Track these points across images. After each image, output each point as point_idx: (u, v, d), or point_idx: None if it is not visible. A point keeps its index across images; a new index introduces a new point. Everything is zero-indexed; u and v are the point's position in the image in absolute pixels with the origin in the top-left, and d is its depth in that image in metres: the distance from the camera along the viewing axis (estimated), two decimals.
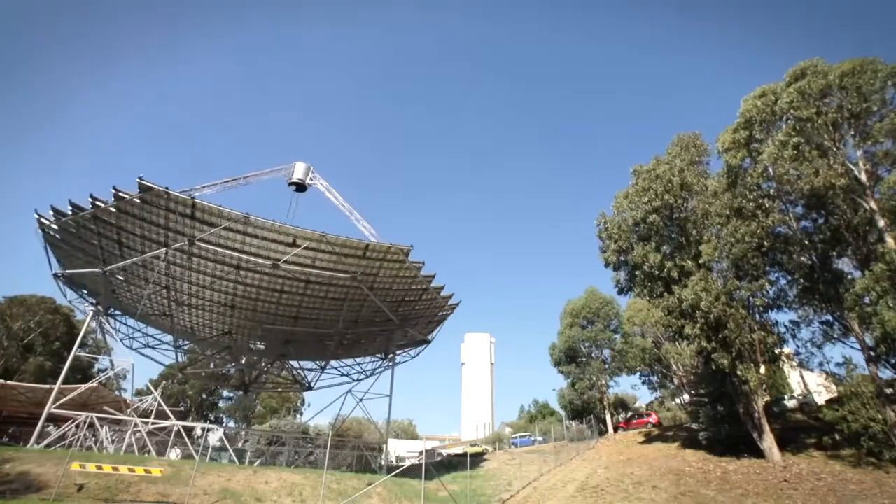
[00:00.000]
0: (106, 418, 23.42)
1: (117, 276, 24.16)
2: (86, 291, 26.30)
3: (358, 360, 35.45)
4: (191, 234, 21.10)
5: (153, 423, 23.51)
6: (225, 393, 55.64)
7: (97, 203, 20.00)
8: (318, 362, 36.86)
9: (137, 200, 19.68)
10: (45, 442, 21.32)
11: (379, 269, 24.19)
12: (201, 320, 30.11)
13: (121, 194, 19.46)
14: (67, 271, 24.14)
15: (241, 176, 25.41)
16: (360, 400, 31.65)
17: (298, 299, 27.02)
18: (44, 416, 20.69)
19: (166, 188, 19.21)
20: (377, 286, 25.40)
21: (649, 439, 28.76)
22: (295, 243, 22.03)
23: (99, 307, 24.65)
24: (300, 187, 26.70)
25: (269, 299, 26.89)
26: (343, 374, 35.66)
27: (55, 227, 21.64)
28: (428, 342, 31.78)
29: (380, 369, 33.39)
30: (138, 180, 18.78)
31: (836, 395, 20.90)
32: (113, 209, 20.32)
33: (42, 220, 21.30)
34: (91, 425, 22.69)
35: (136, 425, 22.56)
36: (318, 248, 22.44)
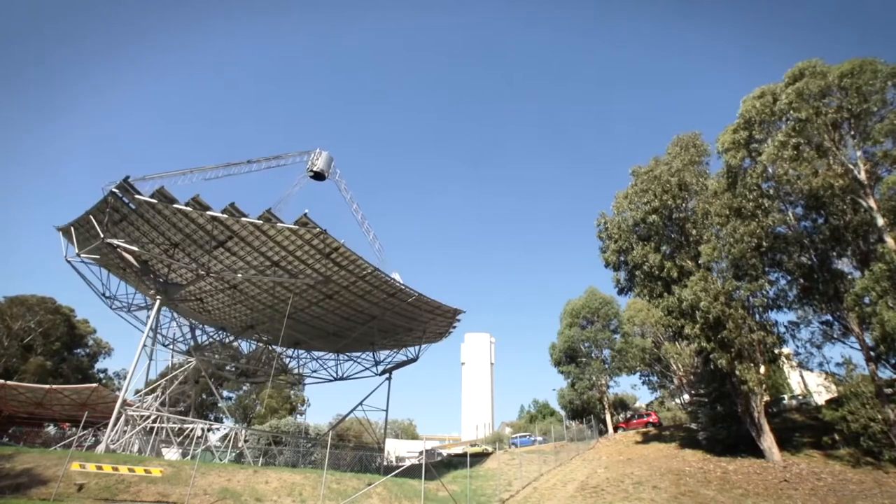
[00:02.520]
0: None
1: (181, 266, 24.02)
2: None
3: (356, 372, 36.61)
4: (318, 268, 24.32)
5: (213, 426, 23.81)
6: (225, 393, 55.70)
7: (230, 208, 20.45)
8: (319, 361, 37.07)
9: (286, 224, 21.02)
10: (118, 443, 20.73)
11: (433, 318, 31.01)
12: (234, 313, 31.14)
13: (270, 215, 20.77)
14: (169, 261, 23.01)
15: (263, 158, 25.60)
16: (357, 405, 32.14)
17: (338, 319, 30.41)
18: (115, 414, 20.38)
19: (324, 230, 21.18)
20: (428, 330, 32.40)
21: (649, 439, 28.77)
22: (395, 295, 27.14)
23: (159, 296, 23.80)
24: (318, 176, 26.74)
25: (321, 316, 29.89)
26: (337, 378, 36.03)
27: (132, 205, 21.23)
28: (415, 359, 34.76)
29: (376, 377, 34.31)
30: (303, 215, 20.43)
31: (836, 395, 20.91)
32: (246, 220, 20.98)
33: (125, 186, 20.40)
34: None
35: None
36: (406, 300, 27.74)
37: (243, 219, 20.74)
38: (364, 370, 35.27)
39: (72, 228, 23.22)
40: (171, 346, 30.14)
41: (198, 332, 32.06)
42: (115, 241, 21.71)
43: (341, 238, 22.17)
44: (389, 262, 32.77)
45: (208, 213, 20.57)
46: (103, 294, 26.64)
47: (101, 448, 19.73)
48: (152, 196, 20.29)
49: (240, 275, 24.19)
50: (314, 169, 26.41)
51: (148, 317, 24.08)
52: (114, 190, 20.27)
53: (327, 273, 24.72)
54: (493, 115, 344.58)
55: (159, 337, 28.99)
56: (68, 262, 24.50)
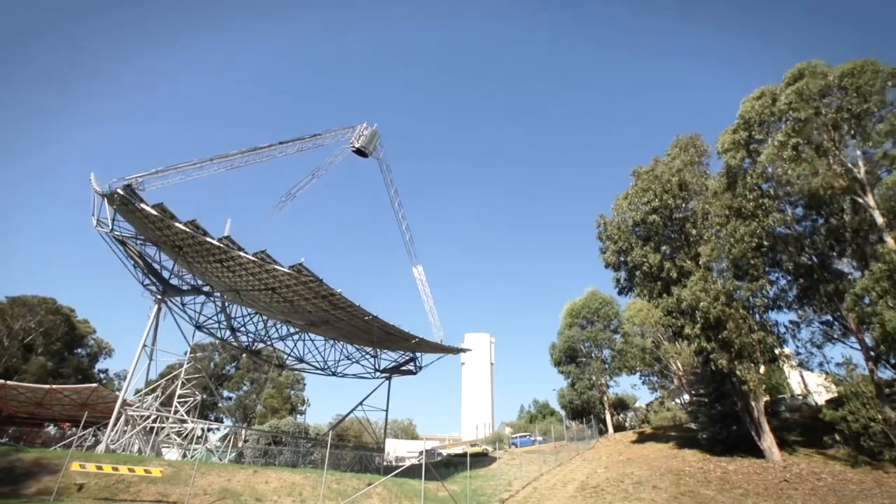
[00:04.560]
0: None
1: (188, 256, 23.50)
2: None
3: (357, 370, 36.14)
4: (316, 302, 23.93)
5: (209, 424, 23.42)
6: (225, 393, 55.73)
7: (226, 240, 20.49)
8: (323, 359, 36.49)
9: (281, 268, 20.97)
10: (118, 443, 20.61)
11: (434, 350, 30.91)
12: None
13: (265, 256, 20.82)
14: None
15: (316, 134, 24.99)
16: (357, 405, 31.97)
17: (338, 335, 30.78)
18: (114, 415, 20.39)
19: (320, 280, 20.96)
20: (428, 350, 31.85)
21: (649, 439, 28.79)
22: (396, 334, 26.63)
23: (164, 296, 23.76)
24: (360, 153, 26.15)
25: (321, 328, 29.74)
26: (335, 373, 35.39)
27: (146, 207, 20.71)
28: (414, 372, 34.50)
29: (377, 376, 34.02)
30: (298, 264, 20.25)
31: (836, 395, 20.92)
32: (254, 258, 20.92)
33: (126, 193, 20.13)
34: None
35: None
36: (410, 341, 27.71)
37: (238, 252, 20.48)
38: (364, 368, 34.88)
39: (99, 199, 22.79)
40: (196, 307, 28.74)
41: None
42: (119, 235, 21.53)
43: (339, 281, 22.17)
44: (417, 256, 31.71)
45: (205, 238, 20.32)
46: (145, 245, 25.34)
47: (101, 448, 19.70)
48: (153, 207, 20.05)
49: (236, 297, 23.93)
50: (356, 145, 25.50)
51: (148, 316, 23.98)
52: (119, 191, 20.02)
53: (325, 307, 24.33)
54: (494, 115, 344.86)
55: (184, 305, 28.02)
56: (112, 235, 23.94)
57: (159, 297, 23.88)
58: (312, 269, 20.73)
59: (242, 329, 30.26)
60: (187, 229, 20.11)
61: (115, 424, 20.50)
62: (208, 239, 20.34)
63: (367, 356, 34.67)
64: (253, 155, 23.93)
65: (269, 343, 32.21)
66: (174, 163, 22.57)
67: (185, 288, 25.33)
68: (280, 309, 27.53)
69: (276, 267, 20.88)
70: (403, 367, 34.19)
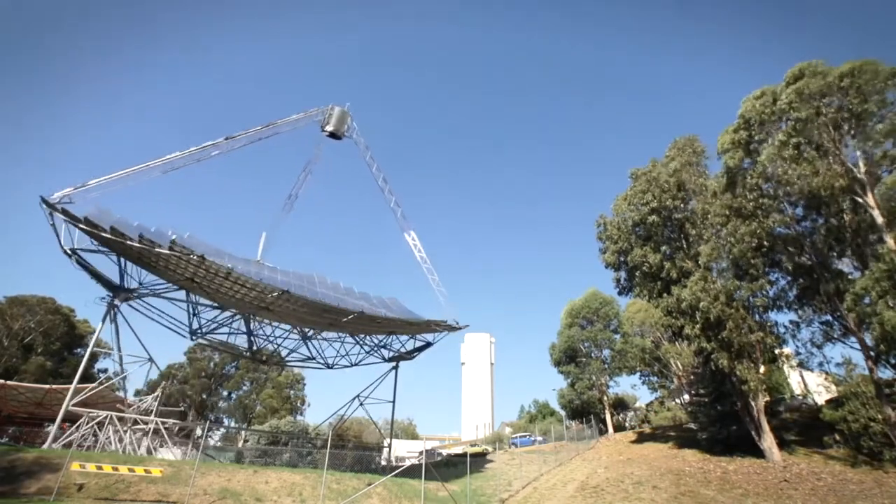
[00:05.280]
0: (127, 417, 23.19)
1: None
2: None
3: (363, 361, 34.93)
4: (228, 285, 22.84)
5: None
6: (225, 393, 55.74)
7: (114, 232, 20.12)
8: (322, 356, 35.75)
9: (162, 251, 20.27)
10: (63, 441, 20.69)
11: (428, 327, 28.11)
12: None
13: (145, 241, 20.24)
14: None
15: (270, 123, 24.28)
16: (356, 396, 31.60)
17: (296, 321, 28.90)
18: (61, 415, 20.42)
19: (201, 256, 20.16)
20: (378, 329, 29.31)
21: (648, 439, 28.81)
22: (333, 311, 24.43)
23: (116, 301, 23.42)
24: (334, 136, 25.91)
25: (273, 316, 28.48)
26: (331, 366, 34.43)
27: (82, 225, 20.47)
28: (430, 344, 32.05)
29: (383, 365, 33.19)
30: (171, 241, 19.71)
31: (836, 395, 20.92)
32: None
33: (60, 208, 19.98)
34: (101, 424, 21.98)
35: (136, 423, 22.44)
36: (345, 316, 24.96)
37: (128, 242, 20.02)
38: (350, 360, 33.23)
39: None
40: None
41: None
42: (67, 249, 21.30)
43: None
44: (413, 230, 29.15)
45: (101, 234, 19.98)
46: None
47: (45, 445, 19.73)
48: (61, 213, 19.79)
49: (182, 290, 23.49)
50: (329, 129, 25.13)
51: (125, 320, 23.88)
52: (42, 206, 19.64)
53: (242, 291, 23.07)
54: (492, 115, 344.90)
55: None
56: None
57: (108, 301, 23.69)
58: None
59: (223, 329, 29.65)
60: (87, 228, 19.87)
61: (60, 425, 20.54)
62: (104, 234, 19.97)
63: (368, 346, 33.72)
64: (199, 153, 22.83)
65: (241, 331, 31.26)
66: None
67: (137, 291, 25.01)
68: (217, 300, 26.52)
69: (161, 251, 20.18)
70: (408, 354, 32.37)
